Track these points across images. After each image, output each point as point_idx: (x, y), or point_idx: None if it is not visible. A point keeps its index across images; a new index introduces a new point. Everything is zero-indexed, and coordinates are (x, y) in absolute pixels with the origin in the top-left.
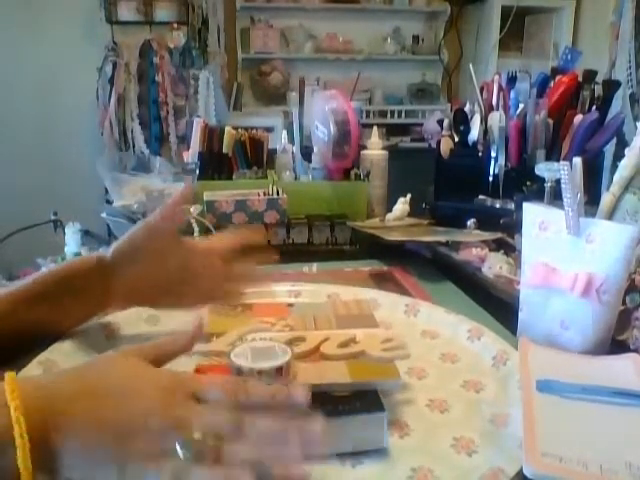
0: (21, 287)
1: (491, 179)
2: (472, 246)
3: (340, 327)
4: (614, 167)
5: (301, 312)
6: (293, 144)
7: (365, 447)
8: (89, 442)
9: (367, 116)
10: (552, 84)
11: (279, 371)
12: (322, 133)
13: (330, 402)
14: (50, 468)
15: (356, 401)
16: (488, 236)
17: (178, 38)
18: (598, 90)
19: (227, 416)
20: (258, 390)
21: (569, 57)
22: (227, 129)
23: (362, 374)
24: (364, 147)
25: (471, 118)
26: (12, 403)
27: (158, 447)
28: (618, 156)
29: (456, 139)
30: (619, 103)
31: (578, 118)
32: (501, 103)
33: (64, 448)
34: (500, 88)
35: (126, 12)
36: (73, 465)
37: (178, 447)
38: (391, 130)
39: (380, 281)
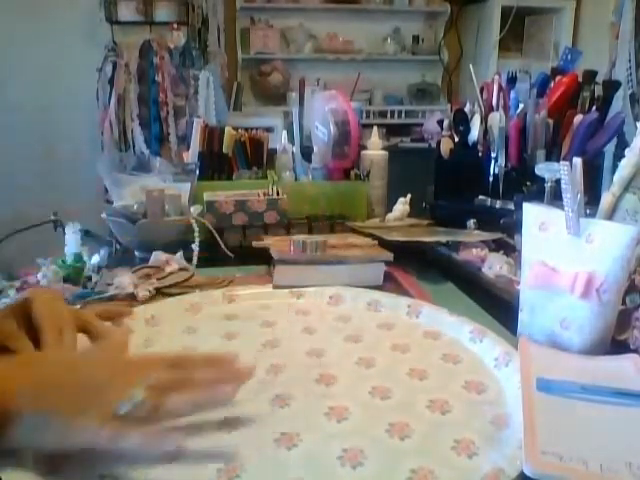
0: None
1: (491, 179)
2: (472, 246)
3: None
4: (615, 167)
5: None
6: (293, 144)
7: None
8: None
9: (367, 116)
10: (552, 84)
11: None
12: (322, 133)
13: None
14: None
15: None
16: (488, 236)
17: (178, 38)
18: (598, 90)
19: (168, 370)
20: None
21: (569, 57)
22: (227, 129)
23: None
24: (364, 147)
25: (471, 118)
26: None
27: (103, 406)
28: (619, 156)
29: (456, 139)
30: (619, 103)
31: (578, 118)
32: (501, 103)
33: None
34: (500, 88)
35: (126, 12)
36: (27, 429)
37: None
38: (391, 130)
39: None
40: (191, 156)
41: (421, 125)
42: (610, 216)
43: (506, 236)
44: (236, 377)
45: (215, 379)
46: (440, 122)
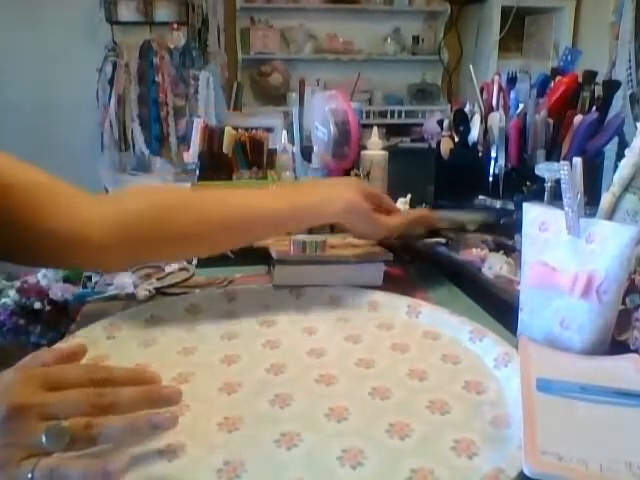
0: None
1: (491, 179)
2: (472, 246)
3: None
4: (616, 167)
5: None
6: (293, 144)
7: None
8: None
9: (367, 116)
10: (552, 84)
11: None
12: (322, 133)
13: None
14: None
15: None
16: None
17: (178, 38)
18: (598, 90)
19: (86, 391)
20: (116, 369)
21: (569, 57)
22: (227, 129)
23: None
24: (364, 147)
25: (471, 118)
26: None
27: (25, 443)
28: (620, 157)
29: (456, 139)
30: (619, 103)
31: (578, 118)
32: (501, 103)
33: None
34: (500, 88)
35: (126, 12)
36: None
37: (44, 439)
38: (391, 130)
39: None
40: (191, 156)
41: (421, 125)
42: (610, 216)
43: (505, 239)
44: (165, 400)
45: (143, 401)
46: (440, 122)
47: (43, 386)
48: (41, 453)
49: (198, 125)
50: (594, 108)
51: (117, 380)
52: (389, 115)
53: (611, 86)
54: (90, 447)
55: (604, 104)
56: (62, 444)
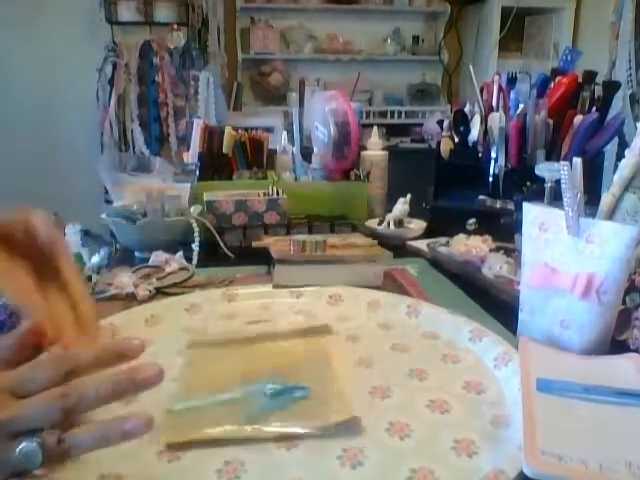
0: None
1: (491, 179)
2: (472, 246)
3: None
4: (616, 168)
5: None
6: (293, 145)
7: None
8: None
9: (367, 117)
10: (552, 85)
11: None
12: (322, 134)
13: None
14: None
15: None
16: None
17: (178, 39)
18: (598, 91)
19: (52, 395)
20: (83, 353)
21: (569, 58)
22: (227, 129)
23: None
24: (364, 148)
25: (471, 119)
26: None
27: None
28: (620, 157)
29: (456, 140)
30: (619, 104)
31: (578, 118)
32: (501, 104)
33: None
34: (500, 89)
35: (126, 12)
36: None
37: (18, 452)
38: (391, 131)
39: None
40: (191, 156)
41: (421, 125)
42: (610, 216)
43: (504, 242)
44: (140, 387)
45: (115, 392)
46: (440, 122)
47: (10, 394)
48: (20, 471)
49: (198, 125)
50: (594, 108)
51: (87, 367)
52: (389, 115)
53: (611, 86)
54: (65, 460)
55: (604, 104)
56: (37, 462)
